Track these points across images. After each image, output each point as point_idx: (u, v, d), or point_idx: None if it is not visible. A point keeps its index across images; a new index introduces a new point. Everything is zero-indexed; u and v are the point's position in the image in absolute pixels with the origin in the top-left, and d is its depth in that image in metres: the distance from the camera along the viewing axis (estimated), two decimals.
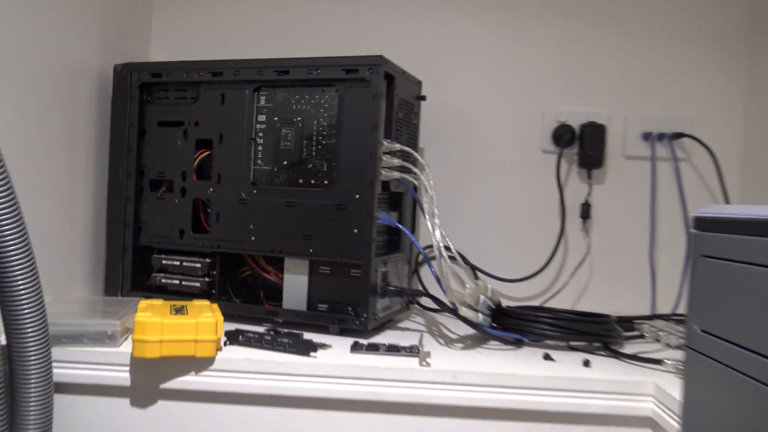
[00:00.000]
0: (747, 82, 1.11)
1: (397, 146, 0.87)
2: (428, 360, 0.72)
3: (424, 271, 1.11)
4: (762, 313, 0.43)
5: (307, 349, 0.72)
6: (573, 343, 0.84)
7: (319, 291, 0.86)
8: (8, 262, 0.59)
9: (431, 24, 1.13)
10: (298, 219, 0.85)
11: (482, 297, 0.85)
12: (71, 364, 0.69)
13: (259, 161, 0.89)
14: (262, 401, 0.71)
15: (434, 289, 0.89)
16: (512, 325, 0.84)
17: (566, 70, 1.12)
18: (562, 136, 1.10)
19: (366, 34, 1.14)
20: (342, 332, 0.84)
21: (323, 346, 0.75)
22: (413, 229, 1.01)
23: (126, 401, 0.71)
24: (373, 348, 0.75)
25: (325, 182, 0.85)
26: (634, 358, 0.78)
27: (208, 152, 0.91)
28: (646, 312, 1.08)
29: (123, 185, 0.94)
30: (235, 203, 0.88)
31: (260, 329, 0.78)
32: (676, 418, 0.61)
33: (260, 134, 0.88)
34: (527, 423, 0.70)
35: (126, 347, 0.71)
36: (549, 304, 1.11)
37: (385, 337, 0.83)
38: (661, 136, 1.10)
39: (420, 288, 1.09)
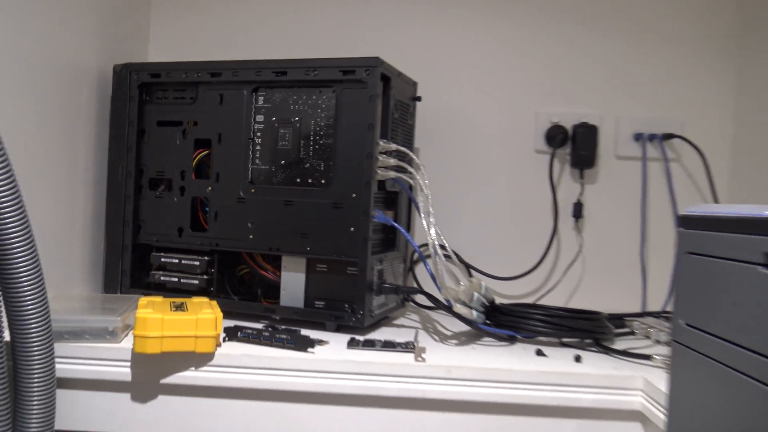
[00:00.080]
0: (736, 84, 1.13)
1: (393, 146, 0.88)
2: (423, 355, 0.73)
3: (419, 269, 1.12)
4: (744, 307, 0.45)
5: (304, 345, 0.73)
6: (565, 340, 0.85)
7: (316, 288, 0.87)
8: (13, 260, 0.60)
9: (427, 26, 1.15)
10: (295, 217, 0.87)
11: (476, 294, 0.87)
12: (73, 359, 0.70)
13: (257, 161, 0.90)
14: (260, 396, 0.72)
15: (429, 287, 0.90)
16: (505, 322, 0.86)
17: (559, 72, 1.14)
18: (555, 136, 1.12)
19: (362, 36, 1.15)
20: (338, 329, 0.85)
21: (320, 342, 0.76)
22: (408, 227, 1.03)
23: (127, 396, 0.72)
24: (370, 344, 0.76)
25: (322, 181, 0.87)
26: (624, 353, 0.79)
27: (206, 152, 0.92)
28: (637, 309, 1.10)
29: (122, 184, 0.95)
30: (234, 202, 0.90)
31: (258, 326, 0.80)
32: (664, 411, 0.63)
33: (258, 134, 0.90)
34: (520, 417, 0.71)
35: (126, 343, 0.72)
36: (542, 302, 1.13)
37: (381, 334, 0.85)
38: (651, 137, 1.12)
39: (415, 286, 1.11)
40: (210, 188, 0.91)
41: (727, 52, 1.13)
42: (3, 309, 0.61)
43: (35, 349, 0.63)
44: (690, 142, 1.10)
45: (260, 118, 0.90)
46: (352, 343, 0.77)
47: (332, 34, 1.15)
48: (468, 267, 1.14)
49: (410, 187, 0.93)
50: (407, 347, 0.75)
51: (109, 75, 0.97)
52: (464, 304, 0.85)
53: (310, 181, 0.87)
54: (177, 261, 0.92)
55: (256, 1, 1.17)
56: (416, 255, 1.11)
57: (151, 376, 0.71)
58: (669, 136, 1.11)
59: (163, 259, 0.93)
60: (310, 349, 0.73)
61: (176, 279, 0.92)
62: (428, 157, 1.13)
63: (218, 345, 0.72)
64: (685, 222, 0.52)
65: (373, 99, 0.84)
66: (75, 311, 0.76)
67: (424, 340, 0.83)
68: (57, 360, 0.66)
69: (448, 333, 0.88)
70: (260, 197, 0.89)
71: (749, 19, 1.11)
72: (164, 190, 0.94)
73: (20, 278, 0.60)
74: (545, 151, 1.13)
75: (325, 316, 0.86)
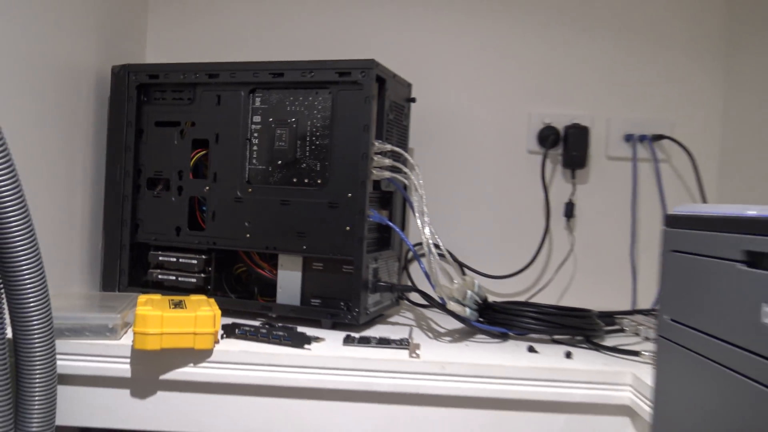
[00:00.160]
0: (725, 86, 1.15)
1: (388, 147, 0.90)
2: (418, 352, 0.75)
3: (413, 268, 1.14)
4: (725, 303, 0.47)
5: (301, 341, 0.75)
6: (556, 337, 0.87)
7: (312, 286, 0.89)
8: (15, 258, 0.60)
9: (421, 29, 1.16)
10: (292, 217, 0.88)
11: (469, 292, 0.89)
12: (73, 356, 0.72)
13: (254, 161, 0.91)
14: (258, 392, 0.73)
15: (423, 285, 0.92)
16: (498, 320, 0.87)
17: (551, 74, 1.16)
18: (547, 137, 1.13)
19: (358, 38, 1.16)
20: (334, 326, 0.86)
21: (317, 339, 0.78)
22: (403, 226, 1.04)
23: (126, 392, 0.73)
24: (365, 341, 0.78)
25: (319, 181, 0.88)
26: (614, 350, 0.81)
27: (204, 152, 0.94)
28: (627, 307, 1.12)
29: (120, 183, 0.96)
30: (231, 201, 0.91)
31: (255, 323, 0.81)
32: (651, 406, 0.65)
33: (255, 134, 0.91)
34: (512, 411, 0.73)
35: (126, 340, 0.73)
36: (534, 300, 1.14)
37: (375, 331, 0.86)
38: (642, 138, 1.14)
39: (409, 284, 1.12)
40: (207, 188, 0.92)
41: (716, 55, 1.15)
42: (5, 306, 0.62)
43: (37, 345, 0.63)
44: (679, 143, 1.12)
45: (257, 118, 0.91)
46: (348, 340, 0.78)
47: (328, 36, 1.17)
48: (461, 266, 1.15)
49: (405, 187, 0.94)
50: (402, 344, 0.77)
51: (108, 76, 0.98)
52: (458, 301, 0.87)
53: (306, 180, 0.89)
54: (175, 259, 0.93)
55: (252, 4, 1.18)
56: (411, 254, 1.12)
57: (150, 372, 0.72)
58: (659, 137, 1.13)
59: (161, 258, 0.94)
60: (306, 346, 0.75)
61: (174, 277, 0.94)
62: (423, 157, 1.15)
63: (216, 342, 0.73)
64: (670, 221, 0.54)
65: (368, 100, 0.85)
66: (75, 309, 0.77)
67: (419, 337, 0.84)
68: (58, 356, 0.67)
69: (442, 330, 0.90)
70: (257, 197, 0.90)
71: (737, 22, 1.13)
72: (162, 190, 0.96)
73: (23, 276, 0.61)
74: (537, 152, 1.15)
75: (321, 313, 0.87)
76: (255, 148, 0.91)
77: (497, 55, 1.16)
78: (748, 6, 1.10)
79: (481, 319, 0.89)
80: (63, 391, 0.71)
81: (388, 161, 0.89)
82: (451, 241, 1.13)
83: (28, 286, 0.62)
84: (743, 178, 1.09)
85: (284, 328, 0.78)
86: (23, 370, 0.64)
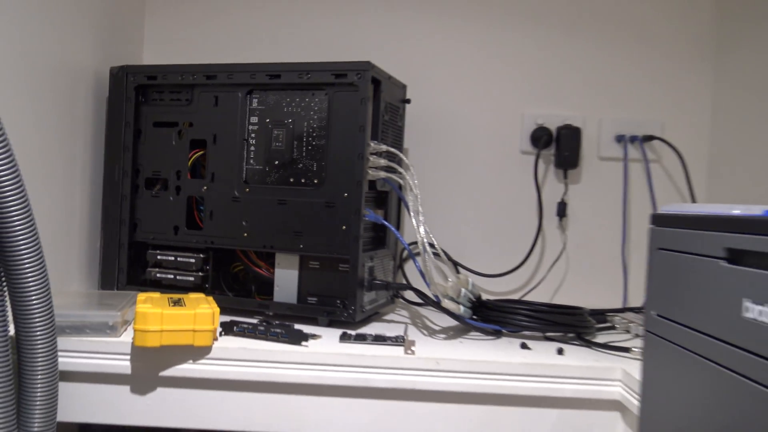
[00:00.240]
0: (713, 87, 1.17)
1: (384, 147, 0.91)
2: (413, 348, 0.76)
3: (408, 267, 1.15)
4: (708, 298, 0.48)
5: (298, 338, 0.76)
6: (548, 334, 0.88)
7: (309, 284, 0.90)
8: (18, 257, 0.61)
9: (416, 32, 1.18)
10: (289, 216, 0.89)
11: (463, 290, 0.90)
12: (74, 353, 0.73)
13: (251, 161, 0.92)
14: (256, 388, 0.74)
15: (418, 284, 0.93)
16: (492, 317, 0.89)
17: (544, 76, 1.17)
18: (540, 137, 1.15)
19: (354, 40, 1.17)
20: (331, 324, 0.88)
21: (314, 336, 0.79)
22: (398, 226, 1.05)
23: (126, 388, 0.74)
24: (361, 338, 0.79)
25: (315, 181, 0.89)
26: (605, 346, 0.83)
27: (201, 152, 0.95)
28: (618, 305, 1.13)
29: (119, 183, 0.97)
30: (228, 201, 0.92)
31: (253, 320, 0.82)
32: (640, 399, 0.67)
33: (252, 135, 0.92)
34: (505, 407, 0.74)
35: (126, 337, 0.74)
36: (527, 298, 1.16)
37: (371, 329, 0.87)
38: (632, 139, 1.16)
39: (404, 282, 1.14)
40: (205, 188, 0.94)
41: (705, 58, 1.17)
42: (8, 304, 0.63)
43: (39, 343, 0.64)
44: (669, 144, 1.14)
45: (254, 119, 0.92)
46: (344, 337, 0.80)
47: (324, 38, 1.18)
48: (456, 264, 1.17)
49: (400, 187, 0.95)
50: (397, 341, 0.78)
51: (106, 77, 0.99)
52: (452, 299, 0.88)
53: (303, 180, 0.90)
54: (173, 258, 0.95)
55: (249, 6, 1.19)
56: (406, 252, 1.14)
57: (150, 369, 0.74)
58: (649, 138, 1.15)
59: (159, 257, 0.95)
60: (303, 343, 0.76)
61: (172, 276, 0.95)
62: (417, 157, 1.16)
63: (215, 339, 0.74)
64: (657, 220, 0.56)
65: (364, 102, 0.86)
66: (75, 307, 0.79)
67: (414, 334, 0.86)
68: (59, 354, 0.68)
69: (437, 328, 0.91)
70: (254, 196, 0.91)
71: (725, 25, 1.15)
72: (160, 190, 0.97)
73: (25, 274, 0.62)
74: (530, 152, 1.17)
75: (317, 311, 0.88)
76: (252, 148, 0.92)
77: (490, 57, 1.18)
78: (736, 8, 1.13)
79: (474, 317, 0.91)
80: (64, 388, 0.72)
81: (383, 161, 0.90)
82: (445, 240, 1.15)
83: (31, 284, 0.63)
84: (732, 177, 1.11)
85: (282, 325, 0.79)
86: (25, 367, 0.65)
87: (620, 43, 1.17)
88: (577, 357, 0.78)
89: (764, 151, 1.03)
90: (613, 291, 1.16)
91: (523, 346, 0.82)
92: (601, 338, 0.88)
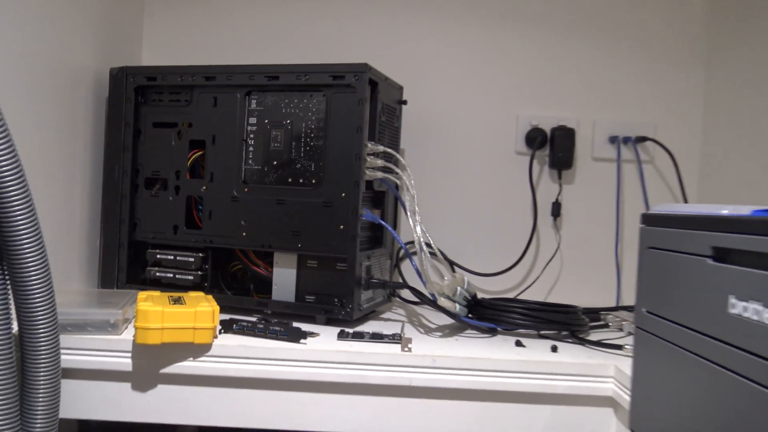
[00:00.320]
0: (705, 89, 1.19)
1: (381, 148, 0.92)
2: (409, 346, 0.77)
3: (405, 266, 1.16)
4: (695, 295, 0.50)
5: (297, 336, 0.77)
6: (543, 332, 0.89)
7: (307, 283, 0.91)
8: (22, 257, 0.62)
9: (413, 34, 1.19)
10: (287, 216, 0.90)
11: (459, 289, 0.91)
12: (76, 350, 0.74)
13: (250, 161, 0.94)
14: (255, 384, 0.75)
15: (414, 283, 0.94)
16: (487, 315, 0.90)
17: (539, 78, 1.19)
18: (535, 138, 1.17)
19: (351, 42, 1.19)
20: (328, 322, 0.89)
21: (312, 334, 0.80)
22: (395, 225, 1.07)
23: (128, 385, 0.75)
24: (359, 336, 0.80)
25: (313, 181, 0.91)
26: (598, 344, 0.84)
27: (201, 152, 0.96)
28: (612, 303, 1.15)
29: (119, 183, 0.98)
30: (227, 201, 0.93)
31: (252, 319, 0.83)
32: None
33: (251, 136, 0.93)
34: (500, 403, 0.76)
35: (127, 335, 0.75)
36: (522, 297, 1.17)
37: (368, 327, 0.88)
38: (626, 140, 1.17)
39: (401, 281, 1.15)
40: (204, 187, 0.95)
41: (696, 61, 1.19)
42: (12, 302, 0.64)
43: (42, 340, 0.65)
44: (661, 145, 1.15)
45: (253, 120, 0.93)
46: (342, 335, 0.81)
47: (323, 40, 1.19)
48: (451, 263, 1.18)
49: (397, 187, 0.96)
50: (394, 338, 0.80)
51: (106, 77, 1.00)
52: (448, 298, 0.89)
53: (301, 181, 0.91)
54: (172, 257, 0.96)
55: (247, 9, 1.20)
56: (402, 252, 1.15)
57: (151, 366, 0.75)
58: (642, 139, 1.17)
59: (158, 256, 0.96)
60: (302, 341, 0.77)
61: (171, 275, 0.96)
62: (414, 158, 1.18)
63: (215, 337, 0.75)
64: (647, 220, 0.58)
65: (361, 103, 0.87)
66: (77, 305, 0.79)
67: (410, 332, 0.87)
68: (61, 351, 0.69)
69: (433, 326, 0.93)
70: (253, 196, 0.92)
71: (716, 28, 1.17)
72: (160, 189, 0.98)
73: (29, 273, 0.63)
74: (525, 153, 1.18)
75: (315, 309, 0.89)
76: (251, 148, 0.93)
77: (486, 59, 1.19)
78: (727, 12, 1.14)
79: (470, 315, 0.92)
80: (66, 385, 0.72)
81: (380, 162, 0.91)
82: (441, 239, 1.16)
83: (34, 283, 0.64)
84: (723, 178, 1.13)
85: (280, 323, 0.80)
86: (28, 364, 0.65)
87: (614, 46, 1.19)
88: (570, 354, 0.79)
89: (755, 151, 1.05)
90: (607, 290, 1.17)
91: (518, 343, 0.83)
92: (594, 336, 0.89)
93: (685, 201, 1.15)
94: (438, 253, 1.01)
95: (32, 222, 0.63)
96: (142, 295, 0.79)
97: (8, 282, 0.64)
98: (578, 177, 1.19)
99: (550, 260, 1.19)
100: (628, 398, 0.69)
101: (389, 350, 0.76)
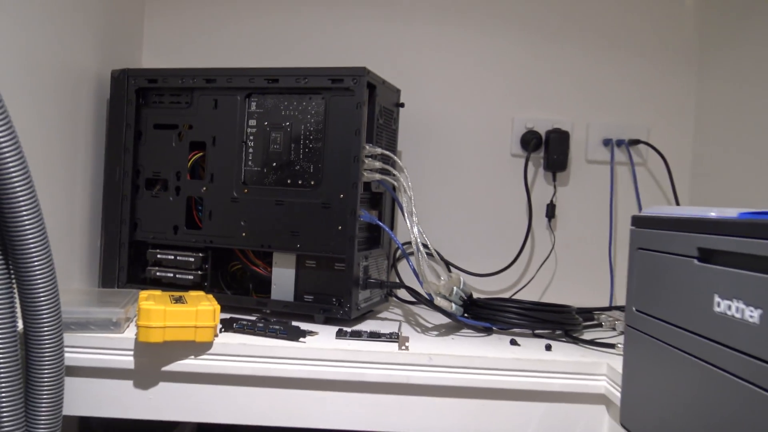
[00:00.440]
0: (697, 93, 1.21)
1: (378, 150, 0.93)
2: (407, 344, 0.79)
3: (402, 266, 1.17)
4: (682, 294, 0.52)
5: (296, 335, 0.79)
6: (537, 331, 0.91)
7: (306, 283, 0.92)
8: (28, 257, 0.63)
9: (410, 38, 1.20)
10: (286, 216, 0.92)
11: (455, 288, 0.93)
12: (79, 348, 0.75)
13: (249, 162, 0.95)
14: (255, 382, 0.77)
15: (411, 283, 0.96)
16: (483, 315, 0.92)
17: (534, 82, 1.21)
18: (530, 141, 1.18)
19: (350, 46, 1.20)
20: (327, 321, 0.90)
21: (311, 332, 0.81)
22: (392, 226, 1.08)
23: (129, 383, 0.76)
24: (357, 334, 0.82)
25: (312, 183, 0.92)
26: (591, 343, 0.86)
27: (201, 154, 0.97)
28: (605, 303, 1.16)
29: (120, 184, 0.99)
30: (227, 201, 0.94)
31: (252, 318, 0.85)
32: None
33: (251, 137, 0.95)
34: (495, 401, 0.77)
35: (129, 333, 0.77)
36: (517, 297, 1.19)
37: (366, 326, 0.90)
38: (619, 143, 1.19)
39: (398, 281, 1.16)
40: (204, 188, 0.96)
41: (688, 65, 1.21)
42: (17, 300, 0.65)
43: (46, 338, 0.66)
44: (654, 148, 1.17)
45: (253, 122, 0.95)
46: (340, 334, 0.82)
47: (322, 44, 1.20)
48: (448, 264, 1.20)
49: (394, 189, 0.98)
50: (392, 337, 0.81)
51: (107, 79, 1.01)
52: (444, 298, 0.91)
53: (300, 182, 0.93)
54: (173, 257, 0.97)
55: (247, 12, 1.21)
56: (399, 252, 1.16)
57: (152, 364, 0.76)
58: (635, 142, 1.19)
59: (159, 256, 0.98)
60: (301, 339, 0.78)
61: (172, 274, 0.97)
62: (411, 160, 1.19)
63: (216, 335, 0.77)
64: (636, 222, 0.60)
65: (359, 106, 0.89)
66: (80, 304, 0.81)
67: (407, 331, 0.88)
68: (64, 349, 0.70)
69: (429, 325, 0.94)
70: (253, 197, 0.94)
71: (708, 32, 1.19)
72: (160, 190, 0.99)
73: (34, 273, 0.64)
74: (520, 155, 1.20)
75: (314, 309, 0.91)
76: (251, 150, 0.95)
77: (482, 63, 1.21)
78: (718, 17, 1.16)
79: (466, 315, 0.93)
80: (69, 383, 0.73)
81: (378, 164, 0.93)
82: (438, 240, 1.17)
83: (39, 282, 0.65)
84: (714, 180, 1.15)
85: (280, 322, 0.81)
86: (33, 362, 0.66)
87: (607, 50, 1.20)
88: (564, 353, 0.80)
89: (746, 154, 1.07)
90: (600, 290, 1.19)
91: (513, 342, 0.85)
92: (587, 335, 0.91)
93: (677, 203, 1.17)
94: (434, 254, 1.03)
95: (38, 223, 0.64)
96: (143, 294, 0.80)
97: (14, 282, 0.65)
98: (572, 179, 1.21)
99: (545, 261, 1.20)
100: (620, 395, 0.71)
101: (387, 349, 0.77)
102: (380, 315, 1.01)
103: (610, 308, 1.12)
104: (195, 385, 0.77)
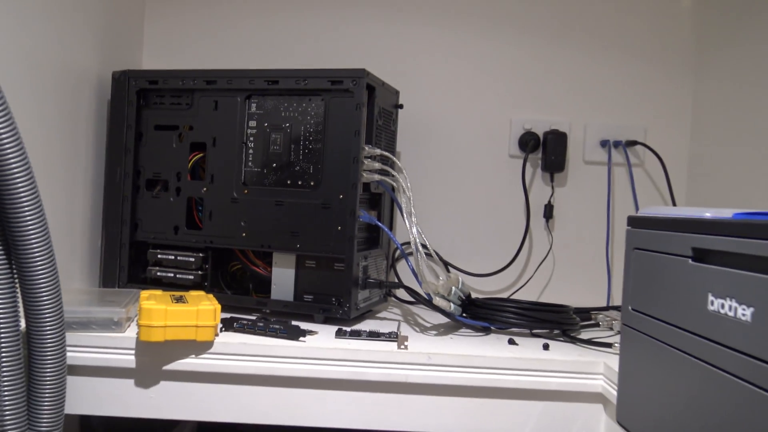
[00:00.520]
0: (694, 94, 1.22)
1: (378, 151, 0.94)
2: (406, 344, 0.79)
3: (401, 266, 1.18)
4: (677, 293, 0.52)
5: (296, 334, 0.79)
6: (535, 331, 0.91)
7: (305, 283, 0.93)
8: (31, 257, 0.64)
9: (409, 40, 1.21)
10: (286, 217, 0.92)
11: (454, 288, 0.94)
12: (81, 348, 0.75)
13: (249, 163, 0.96)
14: (256, 381, 0.77)
15: (410, 283, 0.96)
16: (481, 314, 0.92)
17: (532, 83, 1.21)
18: (528, 142, 1.19)
19: (349, 48, 1.20)
20: (326, 321, 0.90)
21: (310, 332, 0.82)
22: (391, 226, 1.09)
23: (131, 382, 0.77)
24: (356, 334, 0.82)
25: (312, 183, 0.93)
26: (588, 342, 0.86)
27: (201, 154, 0.98)
28: (602, 303, 1.17)
29: (120, 184, 0.99)
30: (227, 202, 0.95)
31: (252, 317, 0.85)
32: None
33: (251, 138, 0.95)
34: (493, 399, 0.78)
35: (130, 333, 0.77)
36: (515, 297, 1.20)
37: (366, 325, 0.90)
38: (616, 144, 1.20)
39: (397, 281, 1.17)
40: (205, 189, 0.96)
41: (685, 66, 1.21)
42: (20, 300, 0.66)
43: (48, 337, 0.67)
44: (651, 149, 1.18)
45: (253, 123, 0.95)
46: (340, 333, 0.83)
47: (321, 46, 1.21)
48: (446, 264, 1.20)
49: (393, 189, 0.98)
50: (391, 336, 0.82)
51: (108, 81, 1.01)
52: (443, 297, 0.91)
53: (300, 183, 0.93)
54: (173, 257, 0.97)
55: (247, 14, 1.22)
56: (398, 252, 1.17)
57: (154, 363, 0.76)
58: (632, 143, 1.19)
59: (159, 256, 0.98)
60: (301, 339, 0.79)
61: (172, 274, 0.98)
62: (410, 161, 1.20)
63: (216, 335, 0.77)
64: (632, 222, 0.60)
65: (359, 107, 0.90)
66: (81, 303, 0.81)
67: (406, 331, 0.89)
68: (66, 348, 0.70)
69: (428, 325, 0.95)
70: (253, 198, 0.94)
71: (705, 34, 1.20)
72: (161, 191, 0.99)
73: (37, 273, 0.64)
74: (518, 156, 1.21)
75: (313, 308, 0.91)
76: (251, 151, 0.95)
77: (480, 64, 1.22)
78: (715, 17, 1.17)
79: (464, 314, 0.94)
80: (70, 381, 0.74)
81: (377, 164, 0.94)
82: (436, 240, 1.18)
83: (42, 283, 0.65)
84: (711, 180, 1.16)
85: (280, 321, 0.82)
86: (35, 361, 0.67)
87: (605, 52, 1.21)
88: (562, 352, 0.81)
89: (742, 154, 1.08)
90: (598, 290, 1.20)
91: (511, 341, 0.85)
92: (585, 335, 0.91)
93: (674, 203, 1.18)
94: (433, 254, 1.03)
95: (41, 224, 0.65)
96: (144, 293, 0.81)
97: (17, 281, 0.65)
98: (570, 180, 1.22)
99: (543, 261, 1.21)
100: (616, 393, 0.72)
101: (386, 348, 0.78)
102: (379, 315, 1.01)
103: (607, 308, 1.12)
104: (196, 384, 0.77)
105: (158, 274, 0.98)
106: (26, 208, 0.63)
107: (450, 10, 1.21)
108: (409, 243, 0.93)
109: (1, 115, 0.62)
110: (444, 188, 1.22)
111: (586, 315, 1.02)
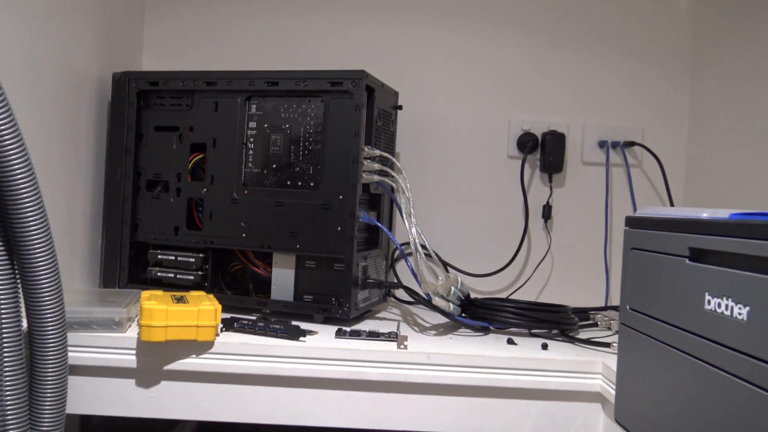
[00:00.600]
0: (691, 95, 1.22)
1: (377, 152, 0.95)
2: (405, 344, 0.80)
3: (400, 266, 1.18)
4: (674, 293, 0.53)
5: (296, 334, 0.80)
6: (534, 330, 0.92)
7: (305, 283, 0.93)
8: (34, 258, 0.64)
9: (408, 42, 1.21)
10: (286, 217, 0.93)
11: (453, 289, 0.94)
12: (82, 348, 0.76)
13: (249, 164, 0.96)
14: (256, 381, 0.78)
15: (409, 283, 0.96)
16: (480, 314, 0.93)
17: (530, 84, 1.22)
18: (526, 143, 1.19)
19: (349, 50, 1.21)
20: (326, 321, 0.91)
21: (310, 332, 0.82)
22: (390, 227, 1.09)
23: (132, 381, 0.77)
24: (356, 334, 0.83)
25: (311, 184, 0.93)
26: (587, 342, 0.87)
27: (201, 155, 0.98)
28: (601, 303, 1.17)
29: (121, 185, 1.00)
30: (228, 203, 0.95)
31: (252, 317, 0.86)
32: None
33: (251, 139, 0.96)
34: (492, 399, 0.78)
35: (131, 333, 0.78)
36: (513, 297, 1.20)
37: (365, 325, 0.91)
38: (614, 144, 1.21)
39: (396, 281, 1.17)
40: (205, 190, 0.97)
41: (682, 67, 1.22)
42: (21, 300, 0.66)
43: (50, 337, 0.67)
44: (648, 149, 1.19)
45: (253, 124, 0.96)
46: (340, 333, 0.83)
47: (321, 47, 1.21)
48: (445, 264, 1.21)
49: (392, 190, 0.99)
50: (390, 336, 0.82)
51: (108, 82, 1.02)
52: (442, 297, 0.92)
53: (299, 183, 0.94)
54: (173, 258, 0.98)
55: (247, 16, 1.22)
56: (397, 252, 1.17)
57: (154, 363, 0.77)
58: (630, 144, 1.20)
59: (160, 256, 0.99)
60: (301, 338, 0.79)
61: (172, 275, 0.98)
62: (409, 161, 1.20)
63: (217, 335, 0.78)
64: (630, 222, 0.61)
65: (358, 108, 0.90)
66: (82, 303, 0.81)
67: (405, 331, 0.89)
68: (68, 348, 0.71)
69: (427, 325, 0.95)
70: (253, 198, 0.95)
71: (702, 35, 1.20)
72: (161, 191, 1.00)
73: (39, 274, 0.65)
74: (517, 157, 1.21)
75: (313, 309, 0.92)
76: (251, 152, 0.96)
77: (479, 66, 1.22)
78: (713, 18, 1.18)
79: (463, 314, 0.94)
80: (72, 381, 0.74)
81: (376, 165, 0.94)
82: (436, 240, 1.18)
83: (44, 284, 0.65)
84: (708, 180, 1.16)
85: (280, 321, 0.82)
86: (37, 361, 0.67)
87: (603, 53, 1.22)
88: (560, 352, 0.81)
89: (739, 155, 1.08)
90: (596, 290, 1.20)
91: (510, 341, 0.86)
92: (583, 334, 0.92)
93: (672, 204, 1.18)
94: (432, 254, 1.04)
95: (43, 224, 0.65)
96: (145, 294, 0.81)
97: (19, 282, 0.66)
98: (568, 180, 1.22)
99: (541, 261, 1.21)
100: (614, 393, 0.72)
101: (385, 348, 0.78)
102: (379, 315, 1.02)
103: (605, 308, 1.13)
104: (196, 384, 0.78)
105: (158, 274, 0.99)
106: (28, 208, 0.64)
107: (449, 11, 1.22)
108: (408, 243, 0.93)
109: (2, 115, 0.62)
110: (443, 189, 1.22)
111: (584, 315, 1.02)
